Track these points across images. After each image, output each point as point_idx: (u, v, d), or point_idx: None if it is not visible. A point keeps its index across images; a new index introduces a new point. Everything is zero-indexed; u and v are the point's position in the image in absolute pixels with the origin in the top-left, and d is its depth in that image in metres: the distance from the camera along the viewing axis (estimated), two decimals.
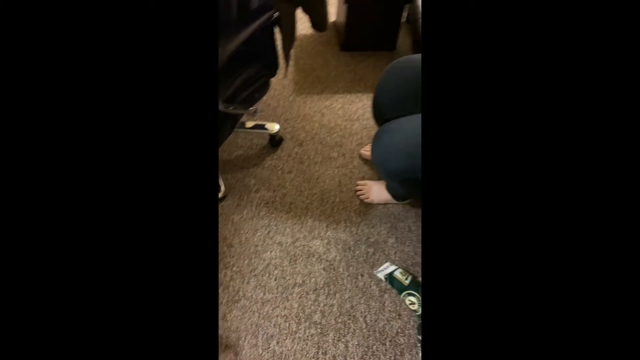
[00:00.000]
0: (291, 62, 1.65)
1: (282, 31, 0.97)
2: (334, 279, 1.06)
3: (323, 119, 1.45)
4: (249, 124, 1.34)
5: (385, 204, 1.22)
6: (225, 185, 1.24)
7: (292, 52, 1.69)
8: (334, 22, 1.83)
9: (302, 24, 1.07)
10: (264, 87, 1.09)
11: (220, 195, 1.22)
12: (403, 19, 1.64)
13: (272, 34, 1.02)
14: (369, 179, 1.27)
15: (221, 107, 0.87)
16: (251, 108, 0.98)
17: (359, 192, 1.23)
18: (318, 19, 1.04)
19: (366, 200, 1.22)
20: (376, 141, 0.92)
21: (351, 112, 1.48)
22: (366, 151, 1.32)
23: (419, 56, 1.00)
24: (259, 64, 1.04)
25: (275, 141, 1.36)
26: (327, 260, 1.09)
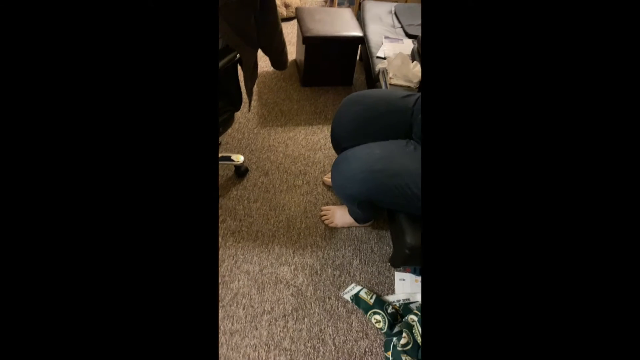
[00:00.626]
0: (255, 97, 1.74)
1: (244, 70, 1.05)
2: (302, 303, 1.08)
3: (287, 149, 1.52)
4: None
5: (348, 227, 1.28)
6: None
7: (256, 87, 1.78)
8: (295, 60, 1.97)
9: (265, 61, 1.15)
10: (229, 121, 1.14)
11: None
12: (358, 57, 1.80)
13: (235, 72, 1.10)
14: (333, 204, 1.34)
15: None
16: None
17: (323, 217, 1.29)
18: (278, 60, 1.14)
19: (330, 225, 1.27)
20: (335, 169, 1.00)
21: (313, 142, 1.57)
22: (328, 178, 1.40)
23: (371, 91, 1.12)
24: (223, 100, 1.10)
25: (240, 172, 1.39)
26: (294, 286, 1.12)
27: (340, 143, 1.12)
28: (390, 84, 1.36)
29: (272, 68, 1.87)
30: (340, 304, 1.09)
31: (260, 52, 1.08)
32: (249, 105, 1.19)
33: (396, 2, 1.97)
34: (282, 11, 2.25)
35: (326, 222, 1.28)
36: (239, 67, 1.09)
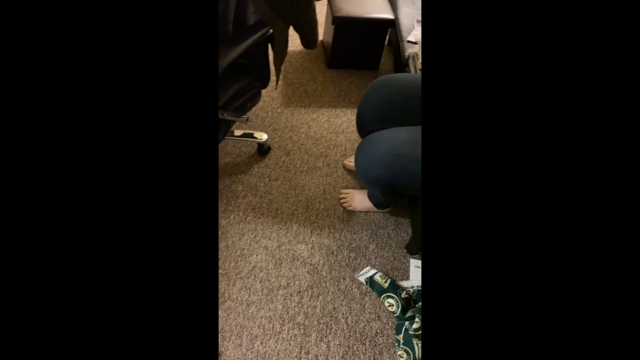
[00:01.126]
0: (280, 76, 1.73)
1: (274, 47, 1.05)
2: (317, 282, 1.10)
3: (309, 130, 1.52)
4: (238, 132, 1.39)
5: (367, 212, 1.28)
6: None
7: (282, 66, 1.78)
8: (322, 41, 1.94)
9: (293, 41, 1.15)
10: (256, 97, 1.15)
11: None
12: (386, 42, 1.76)
13: (265, 49, 1.09)
14: (352, 188, 1.34)
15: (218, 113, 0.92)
16: (243, 116, 1.03)
17: (342, 200, 1.30)
18: (308, 38, 1.13)
19: (349, 208, 1.28)
20: (360, 151, 0.99)
21: (336, 125, 1.56)
22: (350, 162, 1.40)
23: (400, 75, 1.10)
24: (252, 76, 1.10)
25: (263, 150, 1.41)
26: (311, 264, 1.14)
27: (365, 126, 1.11)
28: (420, 69, 1.33)
29: (298, 48, 1.85)
30: (354, 285, 1.11)
31: (290, 30, 1.07)
32: (276, 83, 1.19)
33: None
34: None
35: (345, 205, 1.28)
36: (269, 45, 1.08)
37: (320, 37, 1.96)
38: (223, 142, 1.39)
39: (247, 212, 1.25)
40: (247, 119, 1.04)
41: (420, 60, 1.34)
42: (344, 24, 1.64)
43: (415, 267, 1.17)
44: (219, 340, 0.97)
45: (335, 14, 1.62)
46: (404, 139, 0.93)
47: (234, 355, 0.95)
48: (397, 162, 0.91)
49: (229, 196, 1.28)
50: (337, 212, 1.28)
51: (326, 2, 1.81)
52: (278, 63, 1.09)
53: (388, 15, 1.64)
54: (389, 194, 1.09)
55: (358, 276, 1.12)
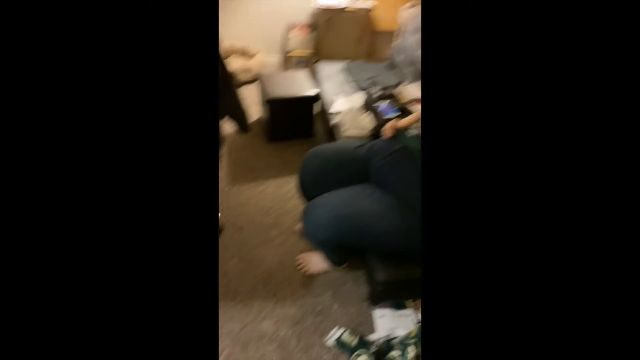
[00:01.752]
0: (225, 157, 1.83)
1: None
2: (287, 356, 1.08)
3: (259, 202, 1.59)
4: None
5: (325, 272, 1.32)
6: None
7: (225, 148, 1.88)
8: (260, 119, 2.12)
9: (231, 125, 1.27)
10: None
11: None
12: (316, 111, 1.97)
13: None
14: (308, 251, 1.39)
15: None
16: None
17: (300, 266, 1.33)
18: (241, 125, 1.25)
19: (308, 272, 1.31)
20: (304, 217, 1.07)
21: (283, 194, 1.65)
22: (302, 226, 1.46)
23: (327, 145, 1.25)
24: None
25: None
26: (278, 339, 1.12)
27: (307, 192, 1.21)
28: (345, 136, 1.51)
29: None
30: (324, 351, 1.10)
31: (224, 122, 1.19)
32: (218, 168, 1.27)
33: (345, 60, 2.21)
34: (243, 76, 2.44)
35: (303, 270, 1.32)
36: None
37: (255, 117, 2.15)
38: None
39: None
40: None
41: (343, 128, 1.53)
42: (275, 103, 1.83)
43: (380, 316, 1.20)
44: None
45: (267, 96, 1.81)
46: (341, 200, 1.03)
47: None
48: (340, 223, 0.99)
49: None
50: (297, 279, 1.30)
51: (258, 85, 2.02)
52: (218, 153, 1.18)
53: (311, 91, 1.88)
54: (339, 252, 1.16)
55: (326, 340, 1.12)
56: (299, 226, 1.47)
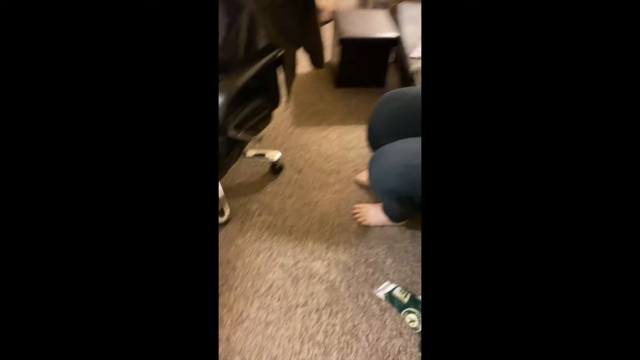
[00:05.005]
0: (291, 97, 1.78)
1: (285, 68, 1.09)
2: (336, 299, 1.08)
3: (320, 148, 1.54)
4: (250, 153, 1.42)
5: (382, 226, 1.27)
6: (229, 210, 1.28)
7: (292, 87, 1.83)
8: (329, 62, 2.00)
9: (301, 62, 1.19)
10: (268, 118, 1.18)
11: (224, 219, 1.26)
12: (391, 60, 1.80)
13: (275, 71, 1.13)
14: (365, 203, 1.34)
15: (231, 133, 0.95)
16: (257, 136, 1.06)
17: (356, 215, 1.29)
18: (316, 58, 1.17)
19: (363, 223, 1.27)
20: (373, 163, 1.00)
21: (346, 142, 1.58)
22: (362, 177, 1.40)
23: (407, 88, 1.12)
24: (264, 97, 1.14)
25: (275, 169, 1.43)
26: (328, 281, 1.12)
27: (377, 139, 1.12)
28: None
29: (306, 69, 1.91)
30: (374, 301, 1.08)
31: (299, 53, 1.11)
32: (287, 103, 1.22)
33: None
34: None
35: (359, 219, 1.28)
36: (279, 67, 1.12)
37: (328, 58, 2.02)
38: (236, 162, 1.42)
39: (262, 231, 1.25)
40: (260, 139, 1.06)
41: None
42: (349, 45, 1.69)
43: None
44: None
45: (341, 35, 1.68)
46: (415, 149, 0.93)
47: None
48: (410, 172, 0.91)
49: (243, 215, 1.30)
50: (352, 228, 1.27)
51: (332, 25, 1.88)
52: (289, 83, 1.12)
53: (391, 34, 1.69)
54: (404, 205, 1.08)
55: (377, 292, 1.09)
56: (358, 177, 1.41)
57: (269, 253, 1.19)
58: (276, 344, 0.99)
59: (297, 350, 0.97)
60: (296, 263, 1.16)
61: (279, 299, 1.07)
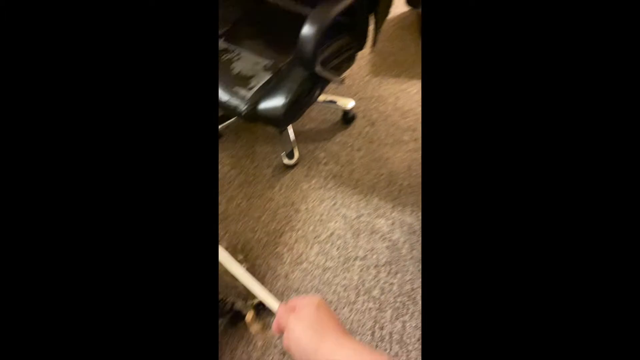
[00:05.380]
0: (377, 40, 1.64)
1: (379, 6, 0.97)
2: (396, 259, 1.05)
3: (397, 102, 1.43)
4: (322, 98, 1.36)
5: None
6: (297, 154, 1.27)
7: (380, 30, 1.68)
8: (418, 10, 1.78)
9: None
10: (351, 59, 1.09)
11: (292, 162, 1.25)
12: None
13: (366, 10, 1.02)
14: None
15: (318, 68, 0.89)
16: (339, 77, 0.99)
17: None
18: None
19: None
20: None
21: None
22: None
23: None
24: (351, 36, 1.04)
25: (347, 118, 1.36)
26: (390, 240, 1.08)
27: None
28: None
29: (391, 15, 1.73)
30: None
31: None
32: (373, 46, 1.11)
33: None
34: None
35: None
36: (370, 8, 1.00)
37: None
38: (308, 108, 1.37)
39: (328, 180, 1.22)
40: (342, 80, 0.99)
41: None
42: None
43: None
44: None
45: None
46: None
47: None
48: None
49: (311, 161, 1.27)
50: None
51: None
52: (379, 24, 1.01)
53: None
54: None
55: None
56: None
57: (333, 202, 1.17)
58: (332, 290, 1.00)
59: (352, 300, 0.98)
60: (359, 217, 1.13)
61: (338, 248, 1.07)
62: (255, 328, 0.47)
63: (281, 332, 0.36)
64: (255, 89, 0.95)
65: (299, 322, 0.34)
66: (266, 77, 0.98)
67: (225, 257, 0.47)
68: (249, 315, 0.46)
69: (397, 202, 1.16)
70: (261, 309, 0.95)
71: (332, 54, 0.98)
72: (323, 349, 0.31)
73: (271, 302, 0.40)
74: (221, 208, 1.15)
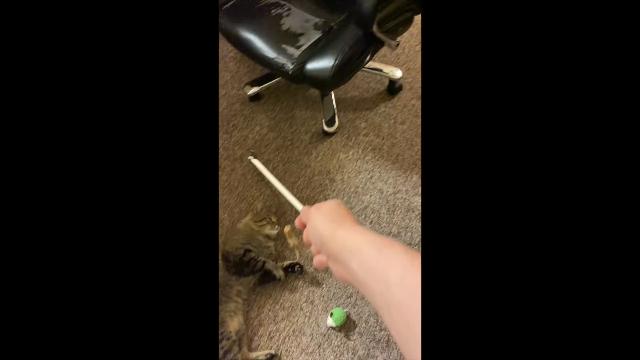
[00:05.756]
0: None
1: None
2: None
3: None
4: (369, 65, 1.28)
5: None
6: (337, 122, 1.23)
7: None
8: None
9: None
10: (408, 22, 1.00)
11: (333, 129, 1.22)
12: None
13: None
14: None
15: (375, 28, 0.82)
16: (395, 40, 0.92)
17: None
18: None
19: None
20: None
21: None
22: None
23: None
24: None
25: (393, 89, 1.29)
26: None
27: None
28: None
29: None
30: None
31: None
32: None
33: None
34: None
35: None
36: None
37: None
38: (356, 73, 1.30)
39: (367, 151, 1.18)
40: (397, 44, 0.92)
41: None
42: None
43: None
44: (323, 270, 0.98)
45: None
46: None
47: (336, 284, 0.96)
48: None
49: (350, 131, 1.23)
50: None
51: None
52: None
53: None
54: None
55: None
56: None
57: (370, 175, 1.13)
58: None
59: None
60: (395, 193, 1.09)
61: (371, 222, 1.05)
62: (293, 241, 0.52)
63: (303, 226, 0.40)
64: (304, 47, 0.90)
65: (319, 212, 0.37)
66: (316, 35, 0.92)
67: (258, 165, 0.60)
68: (287, 228, 0.50)
69: None
70: (290, 271, 0.96)
71: (389, 15, 0.91)
72: (339, 234, 0.33)
73: (297, 204, 0.45)
74: (257, 170, 1.15)
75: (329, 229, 0.34)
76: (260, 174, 1.14)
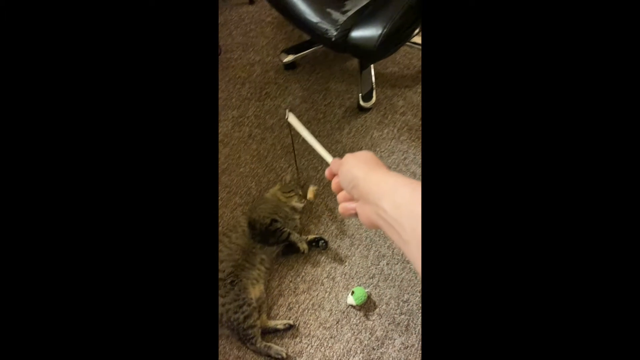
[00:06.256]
0: None
1: None
2: None
3: None
4: (414, 39, 1.20)
5: None
6: (375, 98, 1.17)
7: None
8: None
9: None
10: None
11: (369, 104, 1.16)
12: None
13: None
14: None
15: None
16: None
17: None
18: None
19: None
20: None
21: None
22: None
23: None
24: None
25: None
26: None
27: None
28: None
29: None
30: None
31: None
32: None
33: None
34: None
35: None
36: None
37: None
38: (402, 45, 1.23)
39: (402, 131, 1.13)
40: None
41: None
42: None
43: None
44: (348, 245, 0.97)
45: None
46: None
47: (359, 263, 0.95)
48: None
49: (387, 108, 1.17)
50: None
51: None
52: None
53: None
54: None
55: None
56: None
57: (403, 157, 1.09)
58: (387, 244, 0.96)
59: (407, 259, 0.94)
60: None
61: None
62: (312, 196, 0.55)
63: (332, 176, 0.40)
64: (350, 13, 0.84)
65: (354, 157, 0.37)
66: (364, 1, 0.86)
67: (293, 119, 0.60)
68: (312, 192, 0.53)
69: None
70: (314, 245, 0.95)
71: None
72: (372, 176, 0.34)
73: (327, 156, 0.46)
74: (287, 140, 1.13)
75: (362, 171, 0.35)
76: (289, 146, 1.12)
